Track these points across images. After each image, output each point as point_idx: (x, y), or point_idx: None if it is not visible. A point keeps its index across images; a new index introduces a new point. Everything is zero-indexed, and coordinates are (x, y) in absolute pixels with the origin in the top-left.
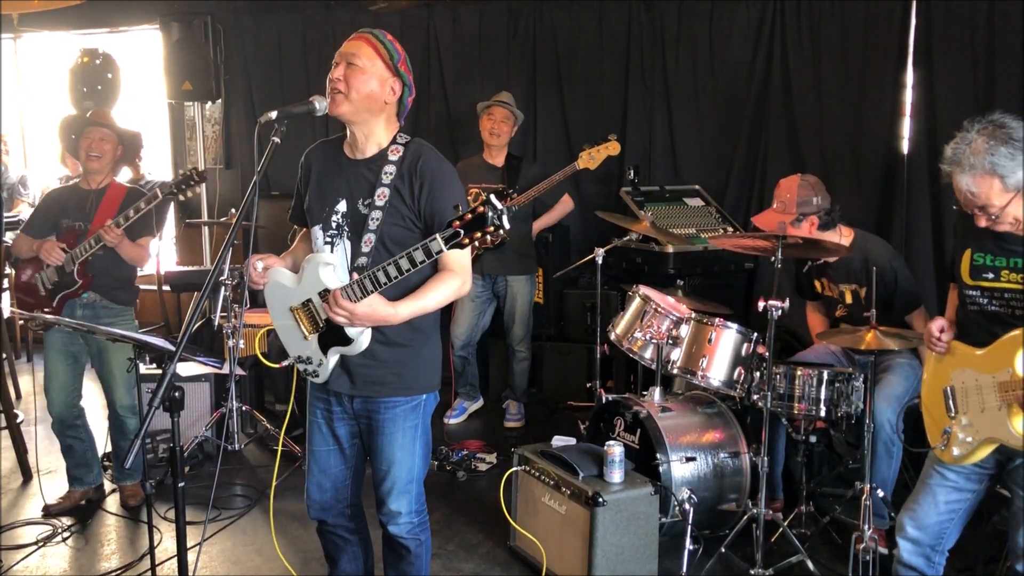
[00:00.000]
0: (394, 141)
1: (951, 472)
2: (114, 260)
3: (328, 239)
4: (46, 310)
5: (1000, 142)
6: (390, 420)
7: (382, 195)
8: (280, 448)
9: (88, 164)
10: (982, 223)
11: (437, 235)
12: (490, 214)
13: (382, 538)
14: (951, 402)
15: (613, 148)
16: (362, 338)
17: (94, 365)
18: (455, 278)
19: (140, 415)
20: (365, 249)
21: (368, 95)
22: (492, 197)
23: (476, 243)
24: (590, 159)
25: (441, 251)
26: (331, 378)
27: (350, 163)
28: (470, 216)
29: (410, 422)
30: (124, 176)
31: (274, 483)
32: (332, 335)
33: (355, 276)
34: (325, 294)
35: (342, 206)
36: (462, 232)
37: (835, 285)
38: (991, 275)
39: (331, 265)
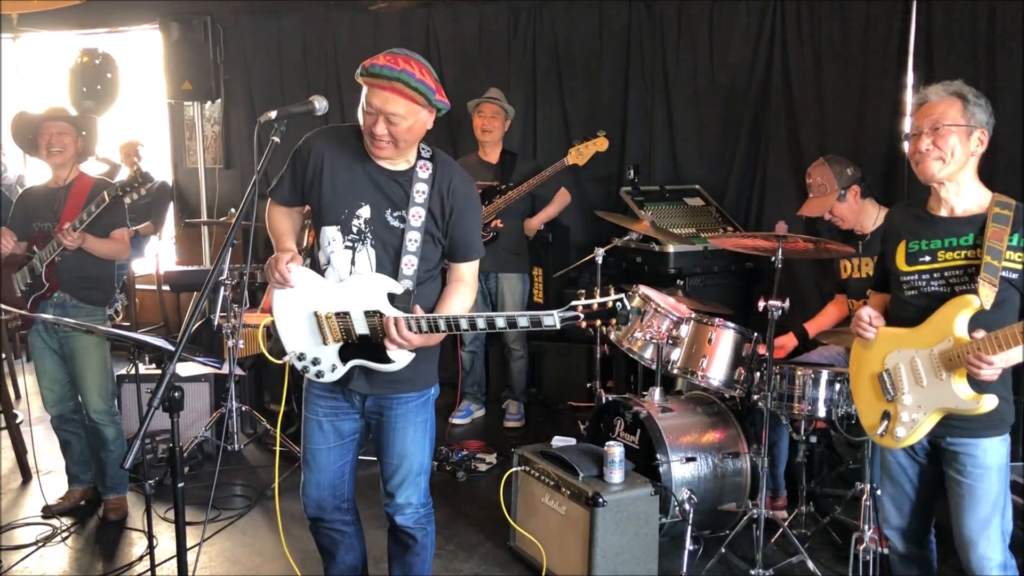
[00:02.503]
0: (419, 155)
1: (906, 460)
2: (82, 260)
3: (348, 243)
4: (22, 312)
5: (975, 90)
6: (403, 415)
7: (417, 215)
8: (278, 448)
9: (51, 160)
10: (921, 145)
11: (555, 313)
12: (619, 307)
13: (388, 531)
14: (889, 385)
15: (601, 144)
16: (402, 362)
17: (68, 368)
18: (469, 289)
19: (117, 421)
20: (407, 272)
21: (415, 140)
22: (624, 297)
23: (590, 327)
24: (579, 155)
25: (554, 326)
26: (353, 380)
27: (377, 169)
28: (596, 306)
29: (421, 416)
30: (124, 176)
31: (277, 482)
32: (361, 349)
33: (416, 310)
34: (373, 315)
35: (365, 211)
36: (582, 316)
37: (872, 259)
38: (928, 258)
39: (388, 290)
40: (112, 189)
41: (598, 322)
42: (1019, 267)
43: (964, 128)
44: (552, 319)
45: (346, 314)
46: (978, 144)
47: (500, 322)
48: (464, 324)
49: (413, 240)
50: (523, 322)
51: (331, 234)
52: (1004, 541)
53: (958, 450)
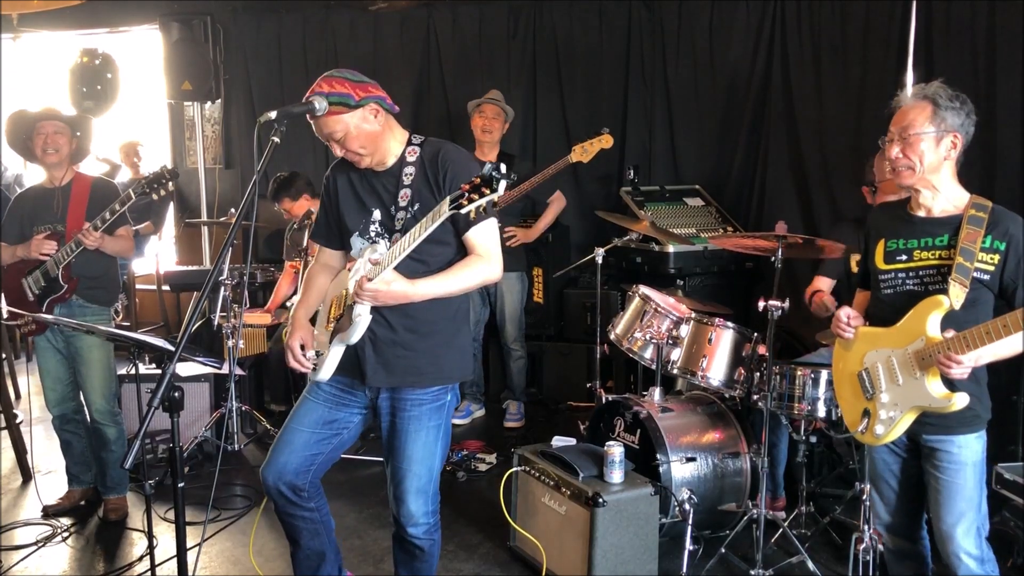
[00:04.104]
0: (409, 143)
1: (889, 456)
2: (91, 260)
3: (368, 244)
4: (34, 315)
5: (951, 91)
6: (415, 418)
7: (404, 196)
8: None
9: (46, 160)
10: (891, 153)
11: (446, 198)
12: (492, 174)
13: (393, 536)
14: (868, 384)
15: (606, 141)
16: (360, 323)
17: (71, 367)
18: (480, 261)
19: (119, 421)
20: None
21: (372, 139)
22: (502, 165)
23: (475, 206)
24: (583, 152)
25: (445, 214)
26: (368, 373)
27: (375, 175)
28: (478, 179)
29: (434, 421)
30: (124, 176)
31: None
32: (343, 323)
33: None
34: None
35: (377, 215)
36: (466, 193)
37: None
38: (904, 257)
39: (376, 255)
40: (139, 186)
41: (475, 197)
42: (991, 268)
43: (933, 135)
44: (444, 206)
45: (345, 289)
46: (951, 148)
47: (417, 230)
48: (397, 250)
49: (399, 219)
50: (427, 223)
51: (357, 243)
52: (980, 535)
53: (935, 446)
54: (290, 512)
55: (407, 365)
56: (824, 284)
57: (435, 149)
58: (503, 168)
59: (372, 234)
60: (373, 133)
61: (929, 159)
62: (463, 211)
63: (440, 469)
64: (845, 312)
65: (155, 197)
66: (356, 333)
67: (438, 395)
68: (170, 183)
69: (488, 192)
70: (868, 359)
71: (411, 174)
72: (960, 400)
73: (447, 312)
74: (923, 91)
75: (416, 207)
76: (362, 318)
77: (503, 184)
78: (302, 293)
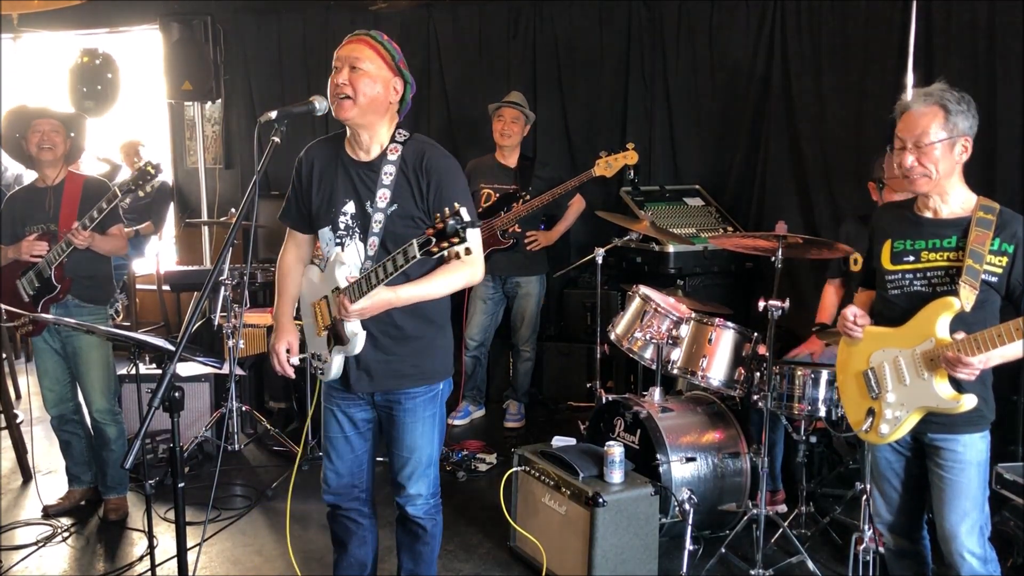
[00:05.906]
0: (393, 139)
1: (892, 455)
2: (84, 259)
3: (338, 240)
4: (32, 314)
5: (956, 93)
6: (410, 411)
7: (383, 197)
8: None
9: (40, 156)
10: (906, 162)
11: (414, 240)
12: (458, 227)
13: (396, 520)
14: (873, 383)
15: (631, 157)
16: (357, 340)
17: (70, 367)
18: (463, 266)
19: (119, 421)
20: (371, 252)
21: (374, 98)
22: (463, 211)
23: (445, 253)
24: (607, 167)
25: (415, 257)
26: (352, 380)
27: (355, 164)
28: (441, 225)
29: (429, 411)
30: (124, 176)
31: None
32: (336, 334)
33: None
34: (336, 292)
35: (350, 207)
36: (434, 240)
37: None
38: (912, 258)
39: (344, 265)
40: (124, 184)
41: (444, 245)
42: (999, 270)
43: (947, 141)
44: (412, 249)
45: (325, 297)
46: (962, 152)
47: (390, 265)
48: (373, 279)
49: (378, 221)
50: (400, 260)
51: (326, 235)
52: (983, 535)
53: (939, 445)
54: (350, 516)
55: (388, 370)
56: (836, 287)
57: (419, 151)
58: (464, 215)
59: (342, 227)
60: (381, 99)
61: (944, 166)
62: (434, 256)
63: (439, 454)
64: (852, 311)
65: (140, 193)
66: (356, 347)
67: (430, 388)
68: (154, 178)
69: (458, 242)
70: (874, 359)
71: (391, 174)
72: (968, 401)
73: (428, 316)
74: (930, 95)
75: (394, 208)
76: (358, 336)
77: (472, 233)
78: (280, 290)
